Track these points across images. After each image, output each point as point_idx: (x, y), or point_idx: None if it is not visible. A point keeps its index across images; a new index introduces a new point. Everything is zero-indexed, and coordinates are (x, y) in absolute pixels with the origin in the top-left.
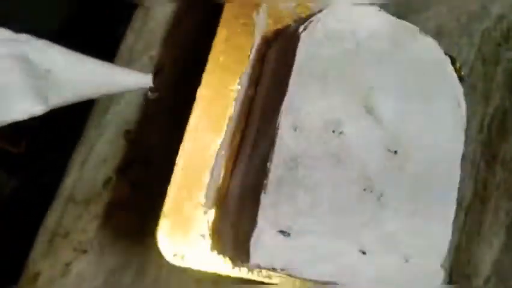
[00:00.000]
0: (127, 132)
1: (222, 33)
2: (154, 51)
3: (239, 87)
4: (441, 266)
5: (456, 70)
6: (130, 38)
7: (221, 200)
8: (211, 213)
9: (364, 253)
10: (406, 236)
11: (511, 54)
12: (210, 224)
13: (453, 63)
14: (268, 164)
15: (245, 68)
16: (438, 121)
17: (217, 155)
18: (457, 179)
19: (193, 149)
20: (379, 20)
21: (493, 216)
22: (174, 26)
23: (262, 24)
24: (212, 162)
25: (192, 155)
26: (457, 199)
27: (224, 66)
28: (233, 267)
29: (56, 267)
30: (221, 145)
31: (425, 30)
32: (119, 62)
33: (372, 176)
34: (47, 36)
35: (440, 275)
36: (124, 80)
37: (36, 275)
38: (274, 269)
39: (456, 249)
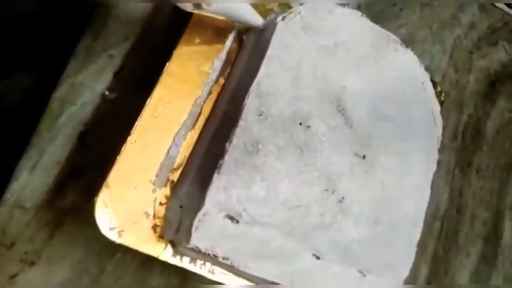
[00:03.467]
0: (83, 135)
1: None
2: (114, 51)
3: (211, 71)
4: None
5: (436, 94)
6: (88, 36)
7: (174, 181)
8: (160, 193)
9: (318, 258)
10: (365, 247)
11: (483, 63)
12: (157, 204)
13: (434, 87)
14: (227, 144)
15: (220, 53)
16: (411, 133)
17: (176, 134)
18: (427, 196)
19: (151, 123)
20: (361, 25)
21: (469, 226)
22: (137, 27)
23: None
24: (170, 140)
25: (149, 129)
26: (431, 209)
27: (198, 47)
28: (174, 255)
29: None
30: (183, 124)
31: (397, 37)
32: (76, 59)
33: (335, 177)
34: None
35: None
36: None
37: None
38: (216, 256)
39: (433, 259)
